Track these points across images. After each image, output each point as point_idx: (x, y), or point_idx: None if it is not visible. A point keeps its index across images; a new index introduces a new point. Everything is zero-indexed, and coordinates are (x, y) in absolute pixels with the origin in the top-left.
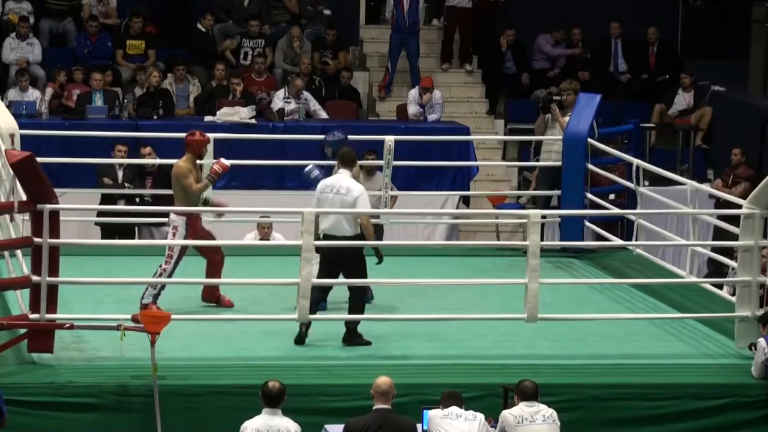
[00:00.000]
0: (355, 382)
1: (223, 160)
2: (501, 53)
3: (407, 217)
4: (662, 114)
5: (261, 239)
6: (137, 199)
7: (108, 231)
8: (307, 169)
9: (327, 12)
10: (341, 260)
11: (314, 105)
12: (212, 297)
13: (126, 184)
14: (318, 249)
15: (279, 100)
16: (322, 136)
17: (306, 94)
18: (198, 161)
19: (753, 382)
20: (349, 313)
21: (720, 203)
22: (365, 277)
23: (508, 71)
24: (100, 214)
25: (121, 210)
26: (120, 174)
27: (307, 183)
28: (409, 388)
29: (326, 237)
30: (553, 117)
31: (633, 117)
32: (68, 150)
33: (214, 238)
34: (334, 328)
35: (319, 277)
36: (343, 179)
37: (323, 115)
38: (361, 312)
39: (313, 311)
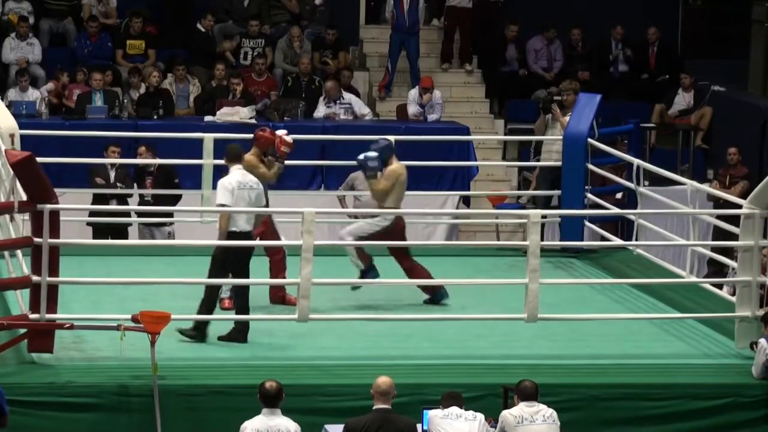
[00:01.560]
0: (355, 382)
1: (284, 137)
2: (504, 48)
3: (407, 217)
4: (662, 114)
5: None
6: (128, 199)
7: (99, 231)
8: (367, 155)
9: (322, 8)
10: (247, 257)
11: (359, 108)
12: (277, 298)
13: (118, 184)
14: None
15: (322, 106)
16: (322, 137)
17: (348, 96)
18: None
19: (753, 382)
20: (200, 310)
21: (719, 205)
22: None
23: (510, 67)
24: (95, 214)
25: (119, 210)
26: (112, 174)
27: (307, 182)
28: (409, 388)
29: (240, 235)
30: (554, 117)
31: (633, 117)
32: (68, 150)
33: (280, 238)
34: (334, 328)
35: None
36: (246, 174)
37: (368, 116)
38: (212, 310)
39: (246, 312)
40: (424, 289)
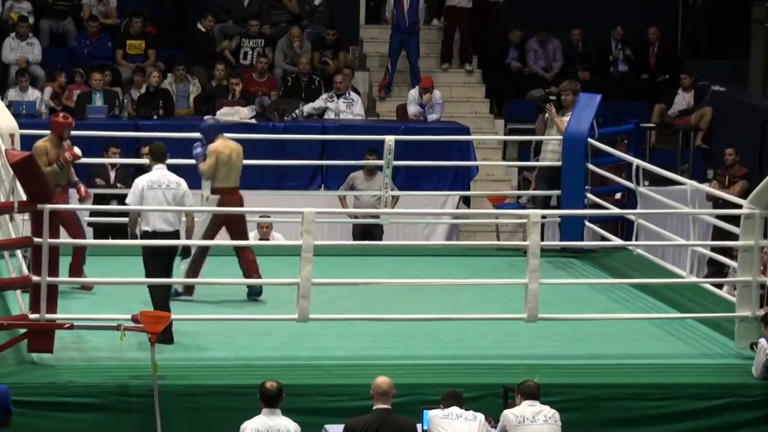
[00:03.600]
0: (355, 382)
1: (75, 149)
2: (506, 50)
3: (407, 217)
4: (662, 114)
5: (261, 239)
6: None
7: (100, 231)
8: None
9: (322, 8)
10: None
11: (359, 108)
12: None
13: (118, 185)
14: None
15: (322, 101)
16: (322, 137)
17: (353, 96)
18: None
19: (753, 382)
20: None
21: (719, 204)
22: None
23: (513, 70)
24: (95, 214)
25: (120, 210)
26: (112, 174)
27: (307, 182)
28: (409, 388)
29: (155, 235)
30: (550, 117)
31: (633, 117)
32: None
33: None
34: (334, 328)
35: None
36: (167, 174)
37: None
38: (167, 309)
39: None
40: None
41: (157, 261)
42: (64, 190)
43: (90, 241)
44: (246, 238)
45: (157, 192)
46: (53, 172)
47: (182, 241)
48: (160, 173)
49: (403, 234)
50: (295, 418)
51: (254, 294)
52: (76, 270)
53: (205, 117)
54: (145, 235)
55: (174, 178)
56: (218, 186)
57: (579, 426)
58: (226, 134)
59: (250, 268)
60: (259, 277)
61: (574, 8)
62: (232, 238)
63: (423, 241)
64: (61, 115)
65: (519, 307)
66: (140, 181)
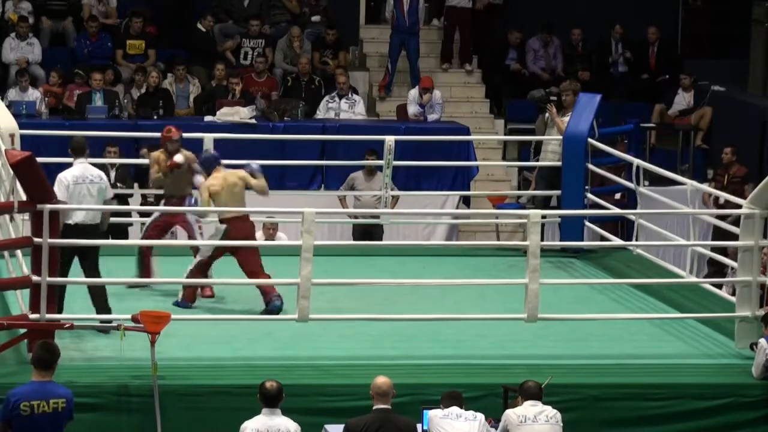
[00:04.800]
0: (355, 382)
1: (175, 157)
2: (505, 51)
3: (407, 217)
4: (662, 114)
5: (266, 239)
6: (129, 198)
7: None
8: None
9: (323, 7)
10: (89, 250)
11: (360, 108)
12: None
13: (118, 184)
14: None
15: (323, 106)
16: (322, 137)
17: (355, 97)
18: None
19: (753, 382)
20: (98, 311)
21: (719, 205)
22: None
23: (510, 68)
24: None
25: (120, 210)
26: (112, 174)
27: (307, 182)
28: (409, 388)
29: (77, 228)
30: (550, 117)
31: (633, 117)
32: (68, 150)
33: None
34: (334, 328)
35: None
36: (89, 168)
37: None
38: (107, 306)
39: (60, 310)
40: (263, 295)
41: (68, 254)
42: (178, 200)
43: (90, 241)
44: (256, 266)
45: (82, 187)
46: (159, 180)
47: (177, 241)
48: (83, 167)
49: (403, 234)
50: (295, 418)
51: (274, 312)
52: (147, 272)
53: (205, 118)
54: (68, 227)
55: (95, 171)
56: (223, 216)
57: (579, 426)
58: (225, 134)
59: (269, 291)
60: (279, 300)
61: (574, 8)
62: (241, 264)
63: (423, 241)
64: (166, 128)
65: (519, 307)
66: (65, 177)
